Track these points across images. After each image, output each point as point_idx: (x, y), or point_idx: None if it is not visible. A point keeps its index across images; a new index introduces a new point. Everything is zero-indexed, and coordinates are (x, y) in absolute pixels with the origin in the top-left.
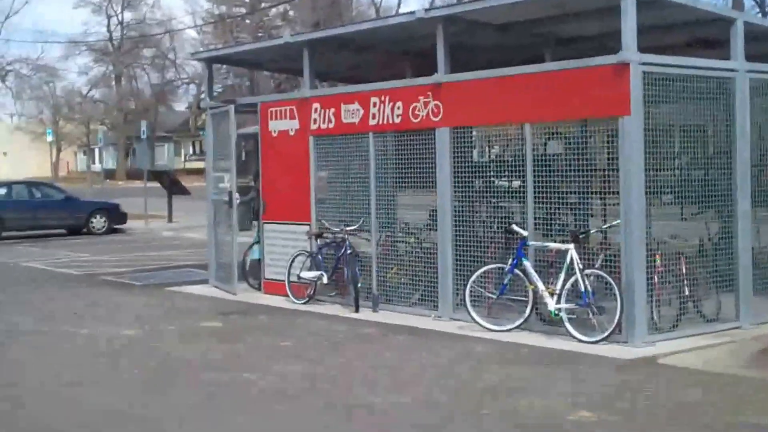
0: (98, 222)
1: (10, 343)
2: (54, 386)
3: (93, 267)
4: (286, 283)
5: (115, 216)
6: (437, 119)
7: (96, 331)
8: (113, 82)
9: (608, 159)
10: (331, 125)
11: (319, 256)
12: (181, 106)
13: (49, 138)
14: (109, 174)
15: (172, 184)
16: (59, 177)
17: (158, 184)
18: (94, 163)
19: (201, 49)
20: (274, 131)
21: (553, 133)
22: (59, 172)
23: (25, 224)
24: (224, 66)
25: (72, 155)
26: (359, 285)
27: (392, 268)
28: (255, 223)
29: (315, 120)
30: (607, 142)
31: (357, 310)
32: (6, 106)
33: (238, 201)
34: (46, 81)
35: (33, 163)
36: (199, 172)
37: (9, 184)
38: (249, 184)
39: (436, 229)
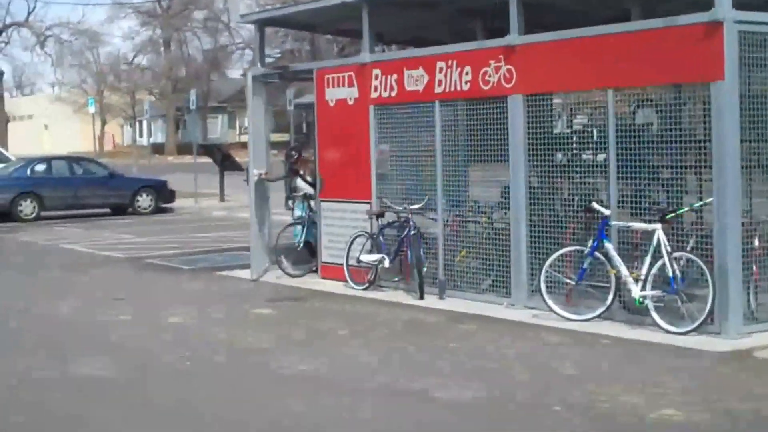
0: (144, 201)
1: (44, 331)
2: (93, 380)
3: (138, 249)
4: (345, 266)
5: (163, 194)
6: (510, 86)
7: (140, 318)
8: (161, 48)
9: (705, 129)
10: (393, 93)
11: (381, 238)
12: (235, 74)
13: (92, 109)
14: (157, 148)
15: (224, 159)
16: (104, 152)
17: (210, 160)
18: (140, 136)
19: (255, 10)
20: (331, 101)
21: (641, 100)
22: (104, 147)
23: (65, 203)
24: (282, 29)
25: (117, 128)
26: (424, 269)
27: (461, 251)
28: (290, 203)
29: (375, 88)
30: (704, 110)
31: (421, 297)
32: (46, 74)
33: (256, 177)
34: (89, 47)
35: (75, 136)
36: None
37: (48, 160)
38: (309, 159)
39: (509, 208)
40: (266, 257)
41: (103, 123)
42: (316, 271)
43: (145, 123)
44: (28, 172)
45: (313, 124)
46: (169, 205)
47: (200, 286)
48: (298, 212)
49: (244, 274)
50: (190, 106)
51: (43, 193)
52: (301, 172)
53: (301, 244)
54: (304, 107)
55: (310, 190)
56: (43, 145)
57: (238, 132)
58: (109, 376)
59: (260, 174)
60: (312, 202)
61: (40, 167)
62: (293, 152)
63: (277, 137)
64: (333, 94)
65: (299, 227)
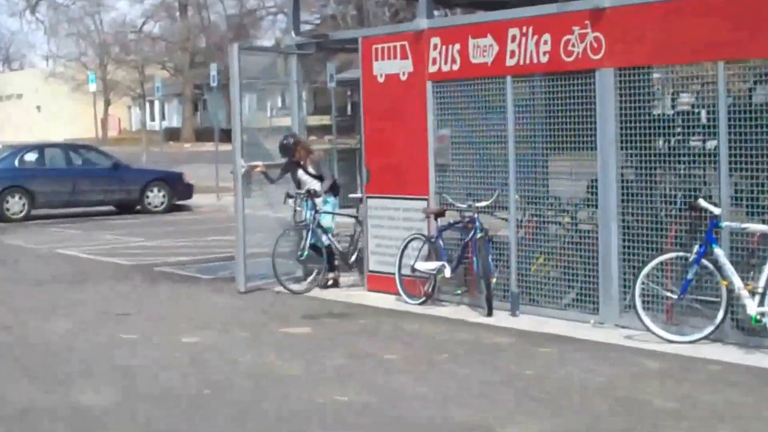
0: (156, 197)
1: (35, 354)
2: (97, 411)
3: (148, 255)
4: (396, 276)
5: (178, 189)
6: (598, 57)
7: (150, 338)
8: (176, 13)
9: None
10: (456, 66)
11: (440, 242)
12: (266, 44)
13: (93, 87)
14: (172, 134)
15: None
16: (107, 138)
17: None
18: (151, 119)
19: None
20: (380, 75)
21: (760, 75)
22: (107, 132)
23: (61, 200)
24: None
25: (124, 110)
26: (493, 280)
27: (538, 258)
28: (290, 201)
29: (434, 60)
30: None
31: (490, 314)
32: (38, 46)
33: (244, 169)
34: (89, 12)
35: (74, 120)
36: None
37: (41, 148)
38: (354, 147)
39: (597, 206)
40: (297, 264)
41: (107, 104)
42: (330, 285)
43: (156, 104)
44: (17, 162)
45: (358, 105)
46: (185, 202)
47: (221, 300)
48: (304, 213)
49: (276, 285)
50: (211, 83)
51: (34, 188)
52: (302, 163)
53: (305, 253)
54: (348, 84)
55: (315, 185)
56: (35, 130)
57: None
58: (113, 407)
59: (251, 166)
60: (318, 200)
61: (31, 156)
62: (289, 140)
63: (315, 120)
64: (382, 68)
65: (305, 231)
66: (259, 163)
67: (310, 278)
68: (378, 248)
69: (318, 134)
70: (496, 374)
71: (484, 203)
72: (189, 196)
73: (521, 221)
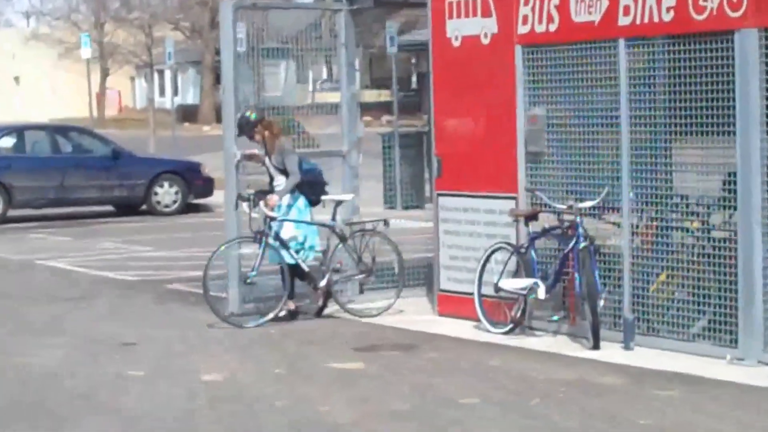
0: (166, 194)
1: (17, 392)
2: None
3: (156, 269)
4: (475, 297)
5: (195, 184)
6: (737, 14)
7: (159, 374)
8: None
9: None
10: (553, 27)
11: (532, 253)
12: None
13: (87, 52)
14: (187, 113)
15: (287, 131)
16: (105, 118)
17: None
18: (161, 94)
19: None
20: (456, 38)
21: None
22: (105, 110)
23: (46, 197)
24: None
25: (125, 82)
26: (600, 303)
27: (659, 275)
28: (243, 205)
29: (525, 18)
30: None
31: (596, 346)
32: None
33: (237, 158)
34: None
35: (62, 94)
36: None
37: (20, 131)
38: (420, 130)
39: (736, 207)
40: (356, 278)
41: (104, 74)
42: (284, 317)
43: (167, 74)
44: None
45: (426, 76)
46: (203, 201)
47: (251, 326)
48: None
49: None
50: (237, 47)
51: (11, 182)
52: (267, 150)
53: (252, 275)
54: (414, 49)
55: (281, 181)
56: (13, 108)
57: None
58: None
59: (245, 154)
60: (273, 204)
61: (7, 142)
62: (248, 115)
63: (371, 95)
64: (458, 29)
65: (307, 246)
66: (255, 150)
67: (270, 315)
68: (451, 261)
69: (375, 114)
70: (604, 424)
71: (589, 203)
72: (208, 193)
73: (637, 227)
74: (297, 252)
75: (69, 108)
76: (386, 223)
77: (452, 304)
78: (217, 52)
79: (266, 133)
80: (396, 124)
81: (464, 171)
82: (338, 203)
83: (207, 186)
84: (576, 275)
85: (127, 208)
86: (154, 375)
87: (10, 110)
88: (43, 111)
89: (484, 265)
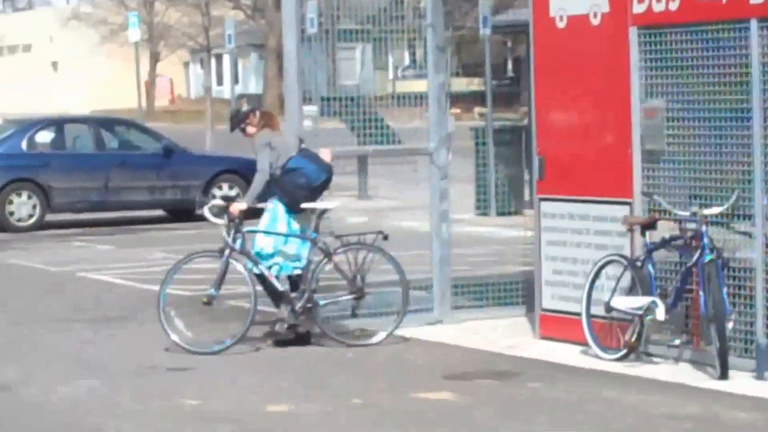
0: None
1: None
2: None
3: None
4: (583, 318)
5: None
6: None
7: (218, 404)
8: None
9: None
10: (674, 6)
11: (649, 267)
12: None
13: (135, 34)
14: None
15: (366, 124)
16: (155, 109)
17: (341, 124)
18: (219, 82)
19: None
20: (561, 18)
21: None
22: (155, 100)
23: (87, 200)
24: None
25: (178, 68)
26: (729, 325)
27: None
28: (204, 210)
29: None
30: None
31: (724, 375)
32: None
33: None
34: None
35: (106, 82)
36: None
37: (59, 124)
38: (518, 124)
39: None
40: (444, 295)
41: (154, 59)
42: (280, 338)
43: (226, 59)
44: (24, 144)
45: (524, 62)
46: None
47: (324, 349)
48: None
49: (405, 327)
50: (307, 28)
51: (49, 183)
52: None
53: (212, 292)
54: (510, 31)
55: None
56: (51, 97)
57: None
58: None
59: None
60: (236, 211)
61: (45, 136)
62: (240, 104)
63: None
64: (564, 7)
65: (280, 259)
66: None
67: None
68: (555, 276)
69: (465, 105)
70: None
71: (716, 210)
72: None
73: None
74: (269, 267)
75: (114, 98)
76: (384, 236)
77: (556, 326)
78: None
79: (261, 124)
80: (490, 118)
81: (570, 172)
82: (321, 213)
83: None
84: (700, 293)
85: (181, 212)
86: (210, 405)
87: (47, 100)
88: (84, 101)
89: (593, 281)
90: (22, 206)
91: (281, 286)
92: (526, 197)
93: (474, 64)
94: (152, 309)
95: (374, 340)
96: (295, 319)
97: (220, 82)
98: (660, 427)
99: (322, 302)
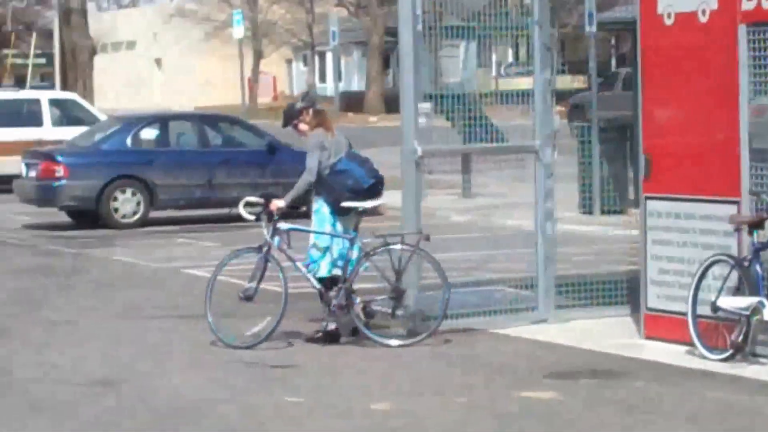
0: None
1: (148, 422)
2: None
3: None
4: (689, 318)
5: None
6: None
7: (322, 401)
8: None
9: None
10: None
11: (757, 267)
12: None
13: (239, 31)
14: (351, 101)
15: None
16: (258, 106)
17: (446, 123)
18: (322, 80)
19: None
20: (668, 15)
21: None
22: (257, 97)
23: (192, 197)
24: None
25: (281, 65)
26: None
27: None
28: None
29: None
30: None
31: None
32: None
33: (418, 154)
34: None
35: (209, 79)
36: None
37: (163, 120)
38: (622, 123)
39: None
40: (548, 294)
41: (258, 57)
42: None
43: (329, 57)
44: (129, 141)
45: (633, 59)
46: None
47: (427, 347)
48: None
49: (509, 325)
50: (417, 24)
51: (154, 179)
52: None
53: (253, 288)
54: (615, 28)
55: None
56: (154, 94)
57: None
58: None
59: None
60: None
61: (150, 133)
62: (301, 103)
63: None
64: (671, 4)
65: (316, 252)
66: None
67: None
68: (661, 276)
69: (567, 102)
70: None
71: None
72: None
73: None
74: (307, 266)
75: (217, 95)
76: (426, 237)
77: (661, 326)
78: (387, 32)
79: (314, 122)
80: (594, 115)
81: (677, 170)
82: (361, 212)
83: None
84: None
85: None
86: (316, 402)
87: (151, 97)
88: (187, 98)
89: (699, 281)
90: (127, 203)
91: (318, 285)
92: (631, 196)
93: (578, 62)
94: (252, 305)
95: (392, 342)
96: (332, 317)
97: (322, 79)
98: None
99: (357, 300)
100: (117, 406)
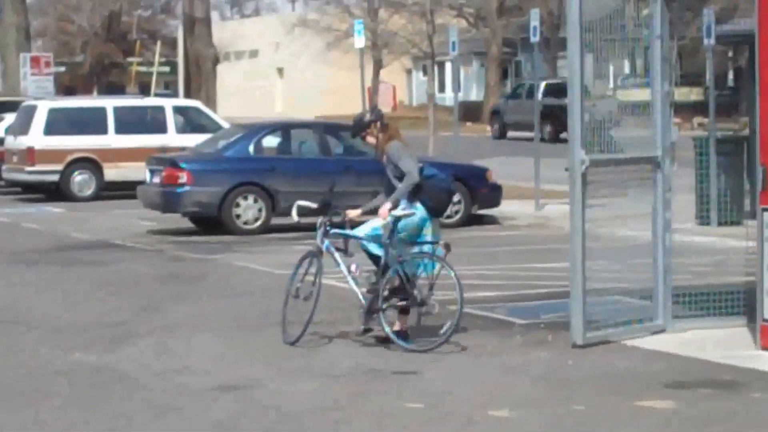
0: None
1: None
2: None
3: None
4: None
5: (480, 192)
6: None
7: (439, 408)
8: None
9: None
10: None
11: None
12: None
13: (360, 41)
14: (470, 111)
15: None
16: None
17: (563, 133)
18: (440, 89)
19: None
20: None
21: None
22: (380, 107)
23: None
24: None
25: (400, 75)
26: None
27: None
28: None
29: None
30: None
31: None
32: None
33: (585, 165)
34: None
35: (328, 88)
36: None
37: (285, 128)
38: (739, 135)
39: None
40: (666, 304)
41: (378, 66)
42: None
43: (448, 67)
44: (251, 148)
45: (747, 72)
46: (488, 212)
47: (545, 355)
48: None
49: (625, 335)
50: (531, 37)
51: (275, 187)
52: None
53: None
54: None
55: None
56: (275, 103)
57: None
58: None
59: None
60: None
61: (272, 141)
62: (370, 116)
63: (681, 93)
64: None
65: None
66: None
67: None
68: None
69: (684, 115)
70: None
71: None
72: (495, 203)
73: None
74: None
75: (337, 104)
76: (446, 245)
77: None
78: (505, 43)
79: (380, 135)
80: (712, 128)
81: None
82: (398, 218)
83: (494, 195)
84: None
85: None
86: (433, 408)
87: (272, 105)
88: (307, 106)
89: None
90: (249, 209)
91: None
92: (747, 207)
93: (694, 74)
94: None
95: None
96: (366, 318)
97: (441, 89)
98: None
99: (385, 306)
100: (238, 411)
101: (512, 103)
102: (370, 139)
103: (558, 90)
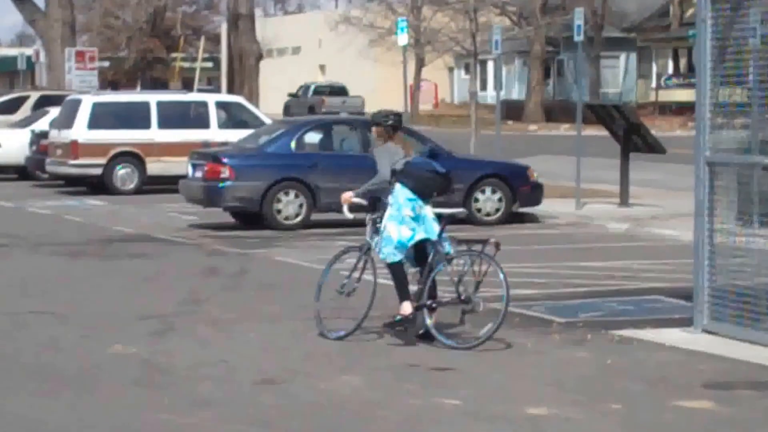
0: (488, 201)
1: (307, 424)
2: None
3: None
4: None
5: (521, 190)
6: None
7: (477, 406)
8: None
9: None
10: None
11: None
12: None
13: (403, 38)
14: (512, 109)
15: (629, 131)
16: (419, 113)
17: (604, 132)
18: (482, 88)
19: None
20: None
21: None
22: (419, 104)
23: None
24: None
25: (442, 73)
26: None
27: None
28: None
29: None
30: None
31: None
32: None
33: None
34: None
35: (372, 85)
36: (689, 108)
37: (327, 125)
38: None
39: None
40: (708, 304)
41: (420, 64)
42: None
43: (490, 66)
44: (293, 144)
45: None
46: (530, 210)
47: (583, 354)
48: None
49: (663, 335)
50: (574, 36)
51: (317, 183)
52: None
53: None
54: None
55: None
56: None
57: (655, 84)
58: None
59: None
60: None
61: (313, 137)
62: (388, 118)
63: (724, 94)
64: None
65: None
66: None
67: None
68: None
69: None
70: None
71: None
72: (536, 201)
73: None
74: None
75: (379, 101)
76: (497, 245)
77: None
78: (548, 41)
79: (385, 136)
80: (756, 129)
81: None
82: (447, 217)
83: (535, 193)
84: None
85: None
86: (471, 405)
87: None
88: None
89: None
90: (290, 205)
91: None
92: None
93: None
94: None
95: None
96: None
97: (483, 87)
98: None
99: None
100: (278, 406)
101: None
102: (375, 133)
103: None
